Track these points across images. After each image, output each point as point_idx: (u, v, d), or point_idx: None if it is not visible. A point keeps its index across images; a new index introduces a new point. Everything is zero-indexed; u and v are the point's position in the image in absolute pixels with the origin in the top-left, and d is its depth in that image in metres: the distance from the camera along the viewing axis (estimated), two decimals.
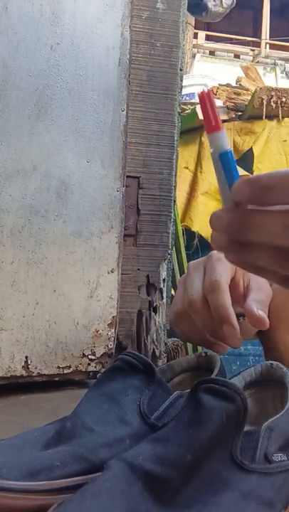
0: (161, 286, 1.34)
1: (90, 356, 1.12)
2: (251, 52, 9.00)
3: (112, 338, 1.14)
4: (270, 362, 0.62)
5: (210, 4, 4.28)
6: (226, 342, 0.65)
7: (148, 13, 1.32)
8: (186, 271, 0.71)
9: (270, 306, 0.88)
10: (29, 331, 1.06)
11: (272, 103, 2.61)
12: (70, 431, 0.54)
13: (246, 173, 2.56)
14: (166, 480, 0.45)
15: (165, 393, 0.58)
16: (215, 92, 2.86)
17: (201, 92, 0.40)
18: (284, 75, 8.60)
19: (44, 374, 1.08)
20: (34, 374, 1.07)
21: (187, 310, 0.66)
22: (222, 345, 0.67)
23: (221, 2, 4.34)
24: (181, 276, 1.92)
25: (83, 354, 1.11)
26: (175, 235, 1.49)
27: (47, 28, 1.07)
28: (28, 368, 1.06)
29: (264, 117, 2.64)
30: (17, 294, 1.05)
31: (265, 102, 2.59)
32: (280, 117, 2.68)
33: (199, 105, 0.43)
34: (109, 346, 1.14)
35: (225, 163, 0.40)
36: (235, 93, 2.90)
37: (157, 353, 1.31)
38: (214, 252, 0.66)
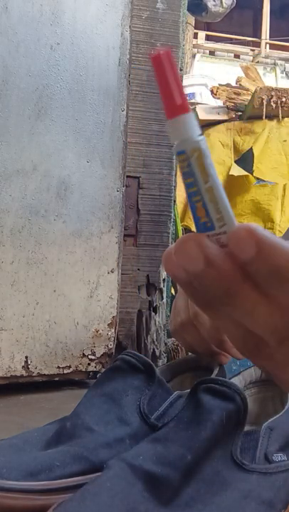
0: (161, 286, 1.34)
1: (90, 356, 1.12)
2: (251, 52, 9.00)
3: (112, 338, 1.14)
4: None
5: (210, 4, 4.28)
6: (231, 353, 0.65)
7: (148, 13, 1.32)
8: None
9: None
10: (29, 331, 1.06)
11: (272, 103, 2.61)
12: (70, 431, 0.54)
13: (246, 173, 2.56)
14: (166, 480, 0.45)
15: (165, 393, 0.58)
16: (215, 92, 2.86)
17: (156, 55, 0.26)
18: (284, 75, 8.60)
19: (44, 374, 1.08)
20: (34, 374, 1.07)
21: (192, 321, 0.66)
22: (226, 356, 0.67)
23: (221, 2, 4.33)
24: None
25: (83, 354, 1.11)
26: (175, 235, 1.49)
27: (47, 28, 1.07)
28: (28, 368, 1.06)
29: (264, 117, 2.64)
30: (17, 294, 1.05)
31: (265, 102, 2.59)
32: (280, 117, 2.68)
33: (156, 76, 0.26)
34: (109, 346, 1.14)
35: (201, 160, 0.27)
36: (235, 93, 2.89)
37: (157, 353, 1.31)
38: None
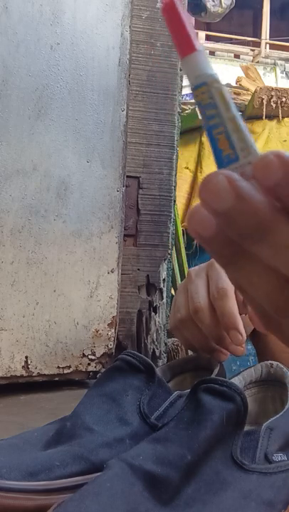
0: (161, 286, 1.34)
1: (90, 356, 1.12)
2: (251, 52, 9.01)
3: (112, 338, 1.14)
4: (270, 362, 0.62)
5: (209, 5, 4.28)
6: (230, 349, 0.65)
7: (148, 13, 1.32)
8: (186, 276, 0.71)
9: None
10: (29, 331, 1.06)
11: (272, 103, 2.61)
12: (70, 431, 0.54)
13: None
14: (166, 480, 0.45)
15: (165, 393, 0.58)
16: None
17: (165, 3, 0.27)
18: (284, 75, 8.60)
19: (44, 374, 1.08)
20: (34, 374, 1.07)
21: (192, 317, 0.66)
22: (224, 352, 0.67)
23: (220, 2, 4.34)
24: (180, 276, 1.92)
25: (83, 354, 1.11)
26: (175, 235, 1.49)
27: (47, 28, 1.07)
28: (28, 368, 1.06)
29: (264, 117, 2.64)
30: (17, 294, 1.05)
31: (265, 102, 2.59)
32: (280, 117, 2.68)
33: (166, 23, 0.28)
34: (109, 346, 1.14)
35: (221, 95, 0.27)
36: (235, 93, 2.89)
37: (157, 353, 1.31)
38: None
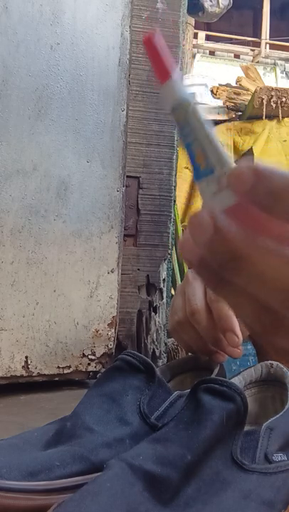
0: (161, 286, 1.34)
1: (90, 356, 1.12)
2: (251, 52, 9.00)
3: (112, 338, 1.14)
4: (270, 362, 0.62)
5: (206, 4, 4.28)
6: (227, 351, 0.65)
7: (148, 13, 1.32)
8: (185, 278, 0.71)
9: None
10: (29, 331, 1.06)
11: (272, 103, 2.61)
12: (70, 431, 0.54)
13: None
14: (166, 480, 0.45)
15: (165, 393, 0.58)
16: (215, 92, 2.86)
17: (145, 37, 0.30)
18: (284, 75, 8.60)
19: (44, 374, 1.08)
20: (34, 374, 1.07)
21: (189, 319, 0.66)
22: (222, 354, 0.67)
23: (218, 2, 4.33)
24: (180, 276, 1.92)
25: (83, 354, 1.11)
26: (175, 235, 1.49)
27: (47, 28, 1.07)
28: (28, 368, 1.06)
29: (264, 117, 2.64)
30: (17, 294, 1.05)
31: (265, 102, 2.59)
32: (280, 117, 2.68)
33: (147, 54, 0.31)
34: (109, 346, 1.14)
35: (197, 117, 0.29)
36: (235, 93, 2.90)
37: (157, 353, 1.31)
38: None
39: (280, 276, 0.27)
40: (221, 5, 4.35)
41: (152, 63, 0.30)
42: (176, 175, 1.36)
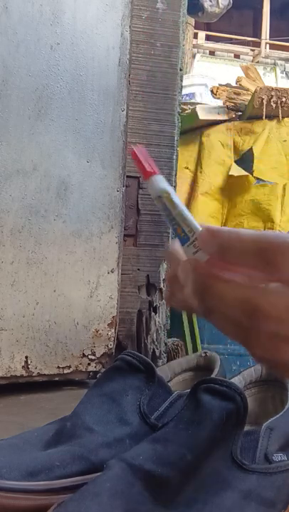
0: (161, 286, 1.34)
1: (90, 356, 1.12)
2: (251, 52, 9.00)
3: (112, 338, 1.14)
4: None
5: (206, 4, 4.27)
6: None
7: (148, 13, 1.32)
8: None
9: None
10: (29, 331, 1.06)
11: (272, 103, 2.60)
12: (70, 431, 0.54)
13: (246, 173, 2.56)
14: (166, 480, 0.45)
15: (165, 393, 0.58)
16: (215, 92, 2.85)
17: (133, 152, 0.43)
18: (284, 75, 8.60)
19: (44, 374, 1.08)
20: (34, 374, 1.07)
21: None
22: None
23: (218, 2, 4.33)
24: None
25: (83, 354, 1.11)
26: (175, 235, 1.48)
27: (47, 28, 1.07)
28: (28, 368, 1.06)
29: (264, 117, 2.64)
30: (17, 294, 1.05)
31: (265, 102, 2.59)
32: (280, 117, 2.67)
33: (134, 161, 0.44)
34: (109, 346, 1.14)
35: (173, 203, 0.41)
36: (235, 93, 2.89)
37: (157, 353, 1.31)
38: None
39: (238, 300, 0.36)
40: (220, 5, 4.34)
41: (138, 167, 0.42)
42: (176, 175, 1.36)
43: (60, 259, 1.09)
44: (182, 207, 0.41)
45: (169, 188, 0.41)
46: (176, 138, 1.34)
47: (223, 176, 2.64)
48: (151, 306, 1.33)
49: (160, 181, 0.42)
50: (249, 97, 2.77)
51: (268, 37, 9.02)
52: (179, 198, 0.41)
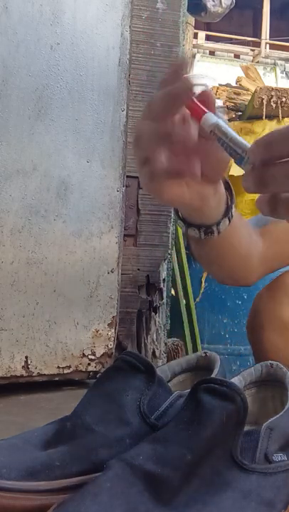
0: (161, 286, 1.34)
1: (90, 356, 1.12)
2: (251, 52, 9.01)
3: (112, 338, 1.14)
4: (270, 362, 0.62)
5: (209, 4, 4.27)
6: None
7: (148, 13, 1.32)
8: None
9: (258, 307, 0.89)
10: (29, 331, 1.06)
11: (272, 103, 2.60)
12: (70, 431, 0.54)
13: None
14: (166, 480, 0.45)
15: (165, 393, 0.58)
16: (215, 92, 2.85)
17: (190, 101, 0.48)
18: (284, 75, 8.60)
19: (44, 374, 1.08)
20: (34, 374, 1.07)
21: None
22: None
23: (220, 2, 4.32)
24: (180, 276, 1.92)
25: (83, 354, 1.11)
26: (175, 235, 1.49)
27: (47, 28, 1.07)
28: (28, 368, 1.06)
29: (264, 117, 2.64)
30: (17, 294, 1.05)
31: (265, 102, 2.59)
32: (280, 117, 2.67)
33: (190, 109, 0.48)
34: (109, 346, 1.14)
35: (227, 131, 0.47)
36: (235, 93, 2.89)
37: (157, 353, 1.31)
38: None
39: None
40: (223, 4, 4.34)
41: (190, 109, 0.48)
42: None
43: (60, 259, 1.09)
44: (233, 133, 0.46)
45: (220, 121, 0.47)
46: None
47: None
48: (151, 306, 1.33)
49: (210, 117, 0.47)
50: (249, 97, 2.77)
51: (268, 37, 9.02)
52: (229, 127, 0.47)
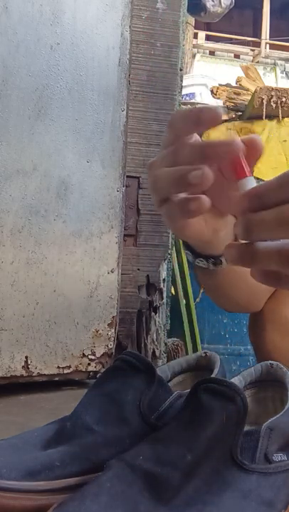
0: (161, 286, 1.34)
1: (90, 356, 1.12)
2: (251, 52, 9.01)
3: (112, 338, 1.14)
4: (270, 362, 0.62)
5: (209, 4, 4.28)
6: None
7: (148, 13, 1.32)
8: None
9: (261, 308, 0.89)
10: (29, 331, 1.06)
11: (272, 103, 2.61)
12: (70, 431, 0.54)
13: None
14: (166, 480, 0.45)
15: (165, 393, 0.58)
16: (215, 92, 2.86)
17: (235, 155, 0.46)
18: (284, 75, 8.60)
19: (44, 374, 1.08)
20: (34, 374, 1.07)
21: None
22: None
23: (220, 2, 4.33)
24: (180, 276, 1.92)
25: (83, 354, 1.11)
26: (175, 235, 1.49)
27: (47, 28, 1.07)
28: (28, 368, 1.06)
29: (264, 117, 2.64)
30: (17, 294, 1.05)
31: (265, 102, 2.59)
32: (280, 117, 2.68)
33: (230, 160, 0.47)
34: (109, 346, 1.14)
35: None
36: (235, 93, 2.90)
37: (157, 353, 1.31)
38: None
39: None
40: (223, 4, 4.34)
41: (235, 165, 0.46)
42: None
43: (60, 259, 1.09)
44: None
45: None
46: None
47: None
48: (151, 306, 1.33)
49: (251, 182, 0.46)
50: (249, 97, 2.77)
51: (268, 37, 9.02)
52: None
